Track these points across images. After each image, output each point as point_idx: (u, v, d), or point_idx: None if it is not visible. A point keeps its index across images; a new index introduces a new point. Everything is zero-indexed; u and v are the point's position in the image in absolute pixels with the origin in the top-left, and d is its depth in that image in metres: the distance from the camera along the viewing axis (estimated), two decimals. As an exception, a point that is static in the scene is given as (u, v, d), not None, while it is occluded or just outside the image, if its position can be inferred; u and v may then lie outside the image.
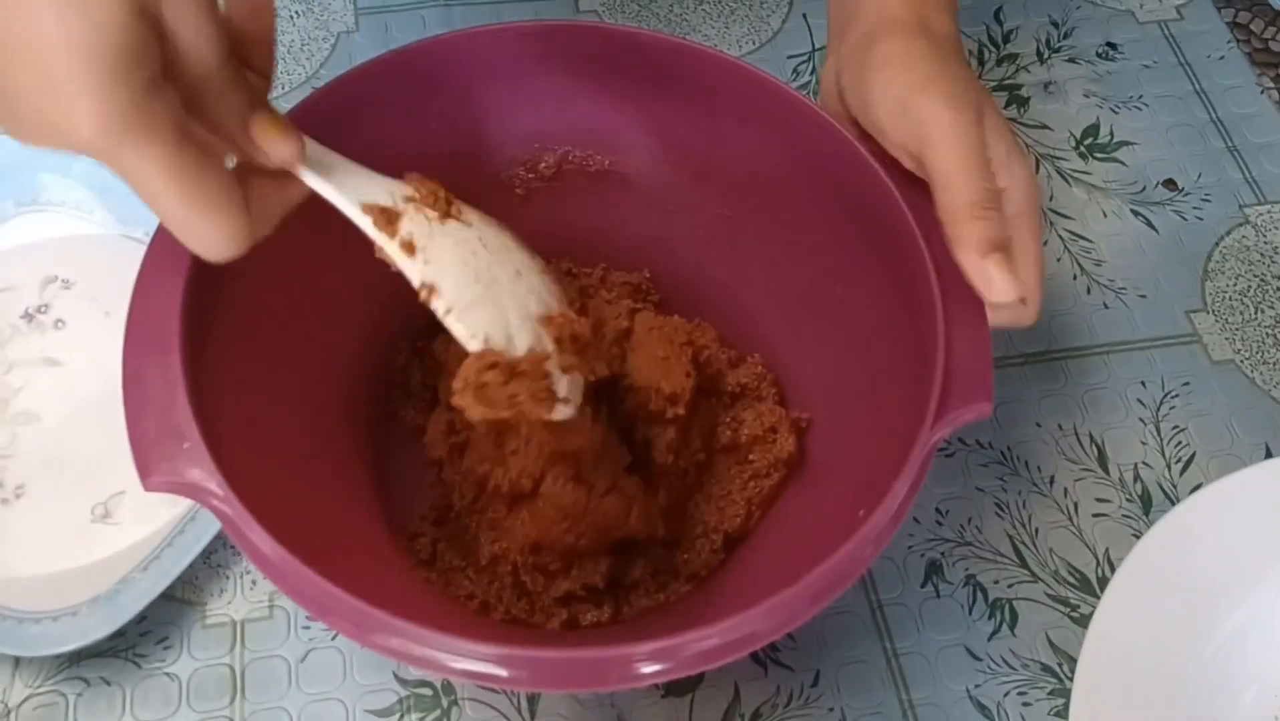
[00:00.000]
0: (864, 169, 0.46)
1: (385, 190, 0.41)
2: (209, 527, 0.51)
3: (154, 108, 0.32)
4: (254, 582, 0.52)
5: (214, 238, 0.35)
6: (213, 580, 0.52)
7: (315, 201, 0.39)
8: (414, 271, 0.40)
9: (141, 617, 0.50)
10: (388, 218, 0.40)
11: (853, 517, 0.40)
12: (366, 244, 0.40)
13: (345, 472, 0.49)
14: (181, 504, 0.53)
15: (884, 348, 0.47)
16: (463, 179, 0.53)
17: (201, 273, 0.42)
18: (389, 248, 0.40)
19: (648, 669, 0.37)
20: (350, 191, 0.39)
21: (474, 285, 0.41)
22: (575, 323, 0.43)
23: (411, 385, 0.54)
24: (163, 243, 0.43)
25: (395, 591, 0.46)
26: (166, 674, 0.50)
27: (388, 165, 0.42)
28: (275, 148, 0.37)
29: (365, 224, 0.39)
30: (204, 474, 0.39)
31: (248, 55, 0.37)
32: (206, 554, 0.52)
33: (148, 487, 0.39)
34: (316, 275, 0.48)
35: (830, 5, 0.53)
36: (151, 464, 0.39)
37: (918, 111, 0.44)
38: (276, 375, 0.47)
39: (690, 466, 0.50)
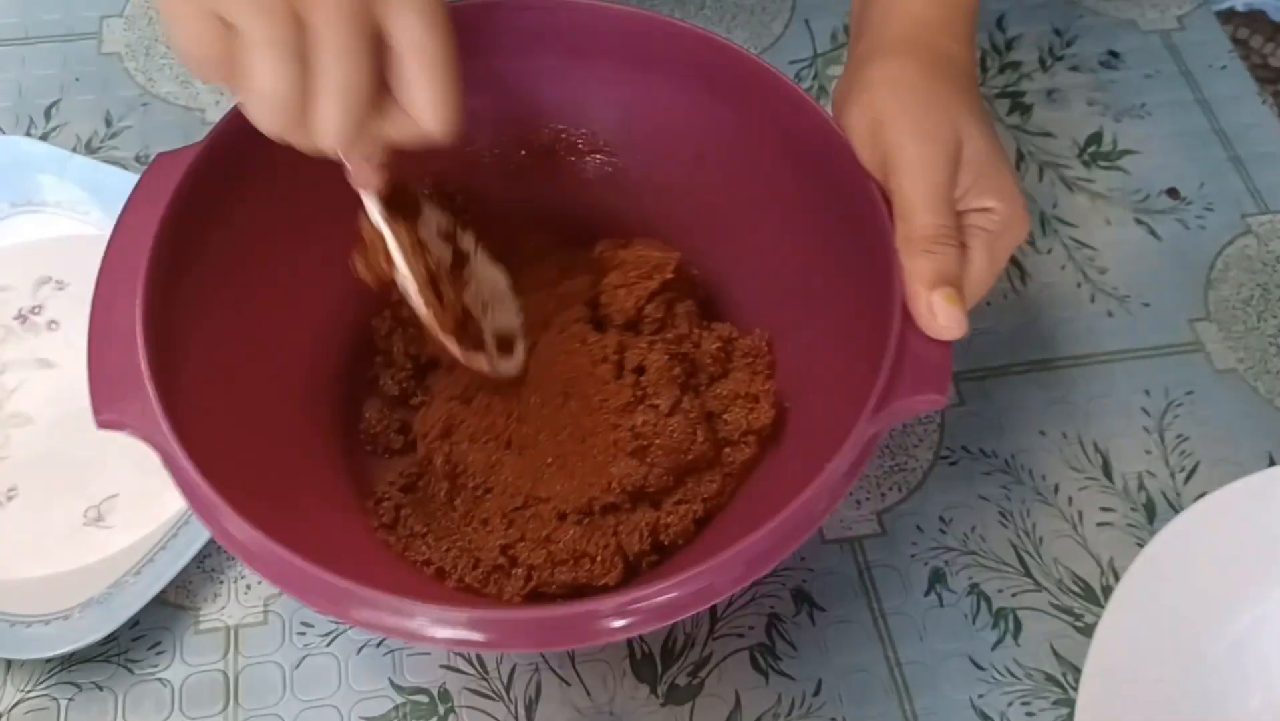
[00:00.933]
0: (850, 166, 0.46)
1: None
2: (202, 531, 0.50)
3: None
4: (248, 587, 0.52)
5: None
6: (206, 585, 0.51)
7: (313, 163, 0.39)
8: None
9: (134, 622, 0.49)
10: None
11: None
12: (355, 212, 0.42)
13: (313, 434, 0.49)
14: (174, 507, 0.52)
15: (856, 338, 0.46)
16: (452, 153, 0.53)
17: (180, 221, 0.43)
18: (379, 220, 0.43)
19: (615, 623, 0.38)
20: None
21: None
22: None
23: (393, 354, 0.53)
24: (145, 193, 0.43)
25: (356, 556, 0.46)
26: (159, 679, 0.49)
27: None
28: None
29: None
30: (153, 418, 0.39)
31: None
32: (200, 558, 0.51)
33: (98, 424, 0.40)
34: (302, 235, 0.48)
35: (852, 21, 0.53)
36: (106, 402, 0.40)
37: (885, 141, 0.45)
38: (249, 330, 0.47)
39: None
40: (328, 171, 0.40)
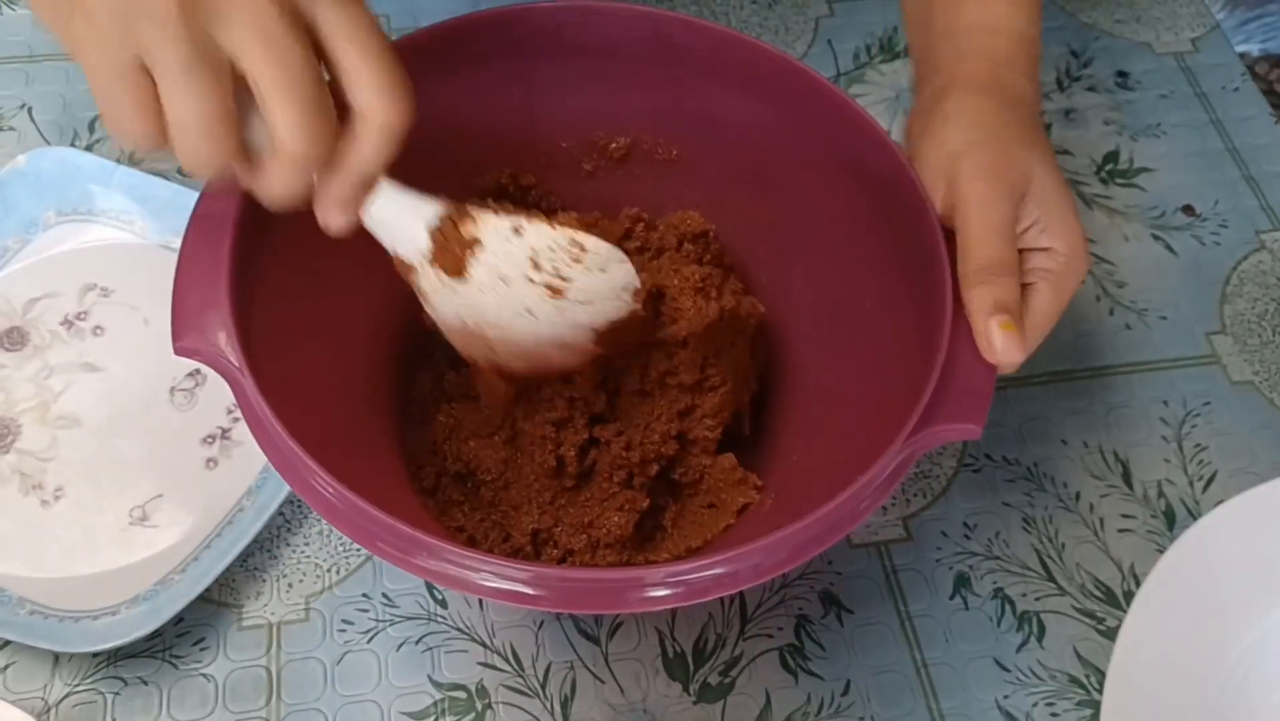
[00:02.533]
0: (911, 192, 0.47)
1: (413, 243, 0.43)
2: (246, 531, 0.52)
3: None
4: (290, 586, 0.53)
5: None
6: (249, 583, 0.53)
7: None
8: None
9: (179, 619, 0.51)
10: (407, 270, 0.44)
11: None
12: (414, 183, 0.43)
13: (372, 396, 0.51)
14: (218, 507, 0.53)
15: (899, 363, 0.48)
16: (531, 147, 0.55)
17: (255, 209, 0.43)
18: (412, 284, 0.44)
19: (659, 592, 0.39)
20: (388, 239, 0.43)
21: (468, 335, 0.46)
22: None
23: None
24: None
25: (401, 511, 0.47)
26: (203, 675, 0.50)
27: (459, 124, 0.46)
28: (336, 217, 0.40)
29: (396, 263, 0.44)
30: (230, 349, 0.42)
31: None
32: (243, 557, 0.53)
33: (177, 351, 0.42)
34: None
35: (913, 52, 0.55)
36: (185, 330, 0.42)
37: (954, 176, 0.46)
38: (318, 296, 0.49)
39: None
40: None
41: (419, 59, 0.47)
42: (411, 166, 0.42)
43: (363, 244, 0.45)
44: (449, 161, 0.51)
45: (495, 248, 0.43)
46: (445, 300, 0.44)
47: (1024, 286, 0.46)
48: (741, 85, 0.52)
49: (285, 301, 0.46)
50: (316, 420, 0.44)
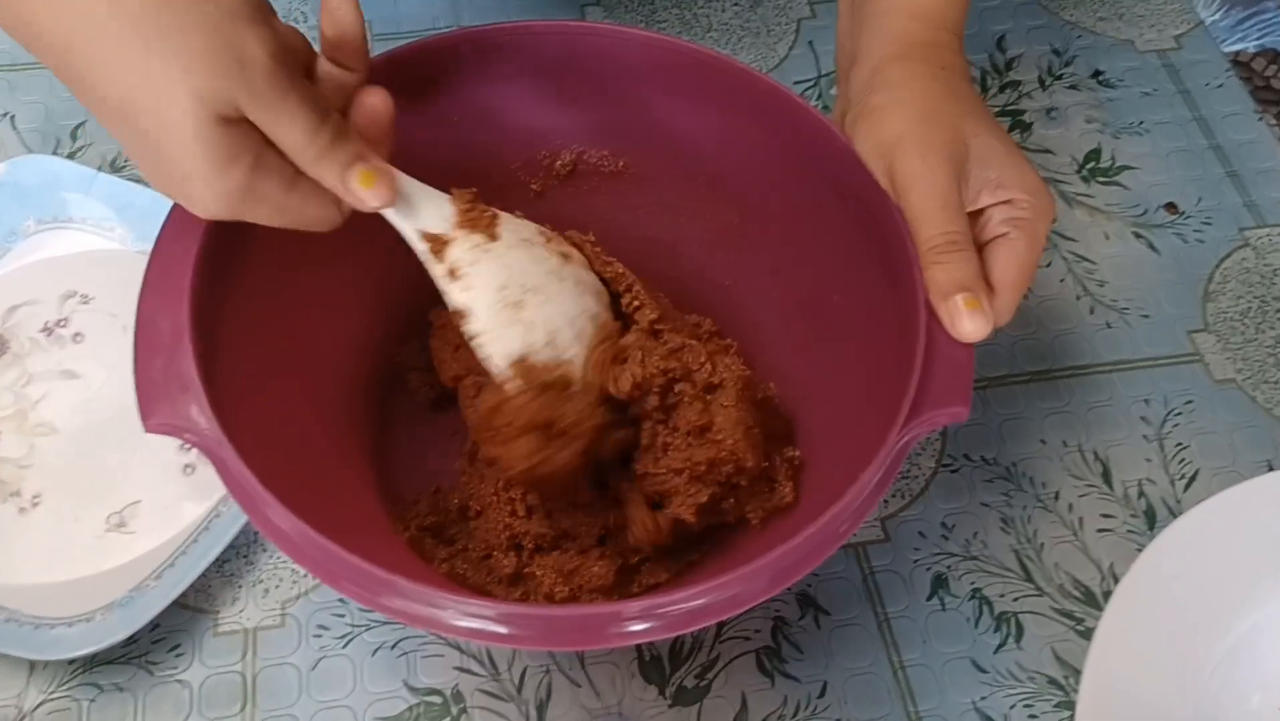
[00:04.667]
0: (865, 180, 0.48)
1: (439, 214, 0.45)
2: (222, 536, 0.52)
3: (257, 184, 0.40)
4: (266, 591, 0.53)
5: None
6: (225, 588, 0.53)
7: None
8: (453, 298, 0.45)
9: (154, 625, 0.51)
10: (439, 244, 0.44)
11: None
12: (365, 225, 0.44)
13: (344, 435, 0.51)
14: (194, 513, 0.53)
15: (875, 353, 0.48)
16: (477, 173, 0.55)
17: (219, 235, 0.44)
18: (436, 274, 0.45)
19: (637, 626, 0.39)
20: (413, 219, 0.44)
21: (506, 310, 0.45)
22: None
23: (414, 383, 0.55)
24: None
25: (384, 554, 0.47)
26: (178, 680, 0.50)
27: (401, 158, 0.44)
28: (368, 199, 0.42)
29: (423, 252, 0.44)
30: (203, 419, 0.41)
31: (341, 60, 0.43)
32: (219, 562, 0.53)
33: (148, 428, 0.41)
34: (337, 249, 0.49)
35: (838, 43, 0.55)
36: (154, 405, 0.41)
37: (892, 163, 0.47)
38: (285, 337, 0.48)
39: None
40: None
41: None
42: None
43: (331, 274, 0.47)
44: None
45: (507, 219, 0.47)
46: (482, 269, 0.45)
47: (997, 239, 0.46)
48: (682, 91, 0.52)
49: (253, 345, 0.46)
50: (289, 461, 0.44)
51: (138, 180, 0.62)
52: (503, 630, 0.38)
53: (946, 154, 0.46)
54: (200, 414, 0.41)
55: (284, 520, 0.40)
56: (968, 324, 0.44)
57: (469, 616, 0.38)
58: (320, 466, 0.48)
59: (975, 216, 0.47)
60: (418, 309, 0.53)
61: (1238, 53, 0.86)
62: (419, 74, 0.51)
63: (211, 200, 0.39)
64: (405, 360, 0.55)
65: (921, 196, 0.45)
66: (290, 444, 0.46)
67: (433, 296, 0.46)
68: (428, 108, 0.52)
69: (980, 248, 0.46)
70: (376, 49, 0.72)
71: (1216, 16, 0.82)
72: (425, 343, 0.53)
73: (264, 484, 0.40)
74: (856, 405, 0.48)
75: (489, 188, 0.55)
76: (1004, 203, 0.47)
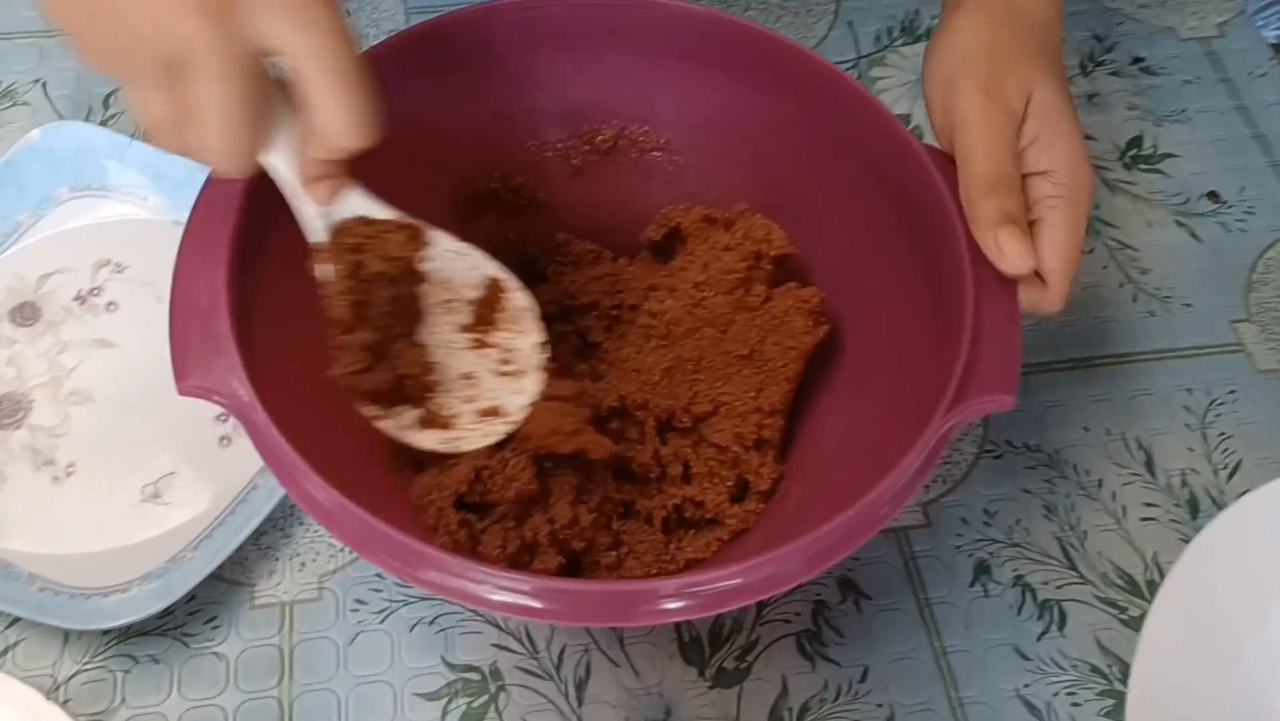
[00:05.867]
0: (911, 157, 0.47)
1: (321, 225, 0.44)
2: (259, 509, 0.51)
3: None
4: (303, 565, 0.52)
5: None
6: (262, 561, 0.52)
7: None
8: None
9: (190, 597, 0.50)
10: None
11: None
12: (408, 194, 0.44)
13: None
14: (231, 485, 0.53)
15: (915, 338, 0.47)
16: (514, 146, 0.54)
17: (258, 201, 0.43)
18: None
19: (672, 605, 0.38)
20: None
21: None
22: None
23: None
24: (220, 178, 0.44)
25: (416, 524, 0.46)
26: (214, 653, 0.50)
27: (441, 129, 0.45)
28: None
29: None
30: (238, 384, 0.40)
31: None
32: (256, 535, 0.52)
33: (182, 391, 0.41)
34: None
35: None
36: (189, 368, 0.41)
37: (953, 93, 0.46)
38: (319, 304, 0.46)
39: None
40: (389, 156, 0.41)
41: (396, 65, 0.47)
42: (394, 176, 0.43)
43: None
44: (434, 166, 0.51)
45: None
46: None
47: (1035, 221, 0.45)
48: (726, 66, 0.51)
49: (288, 312, 0.45)
50: (321, 429, 0.43)
51: (172, 149, 0.62)
52: (536, 604, 0.38)
53: (1005, 97, 0.46)
54: (235, 379, 0.40)
55: (319, 490, 0.39)
56: (1015, 252, 0.43)
57: (503, 590, 0.38)
58: (352, 436, 0.47)
59: None
60: None
61: (1280, 41, 0.85)
62: (458, 44, 0.50)
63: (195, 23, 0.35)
64: None
65: (976, 134, 0.45)
66: (323, 412, 0.45)
67: None
68: (466, 79, 0.52)
69: None
70: (414, 20, 0.72)
71: (1243, 2, 0.81)
72: None
73: (299, 451, 0.39)
74: (896, 390, 0.47)
75: (527, 160, 0.55)
76: (1041, 174, 0.46)
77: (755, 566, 0.38)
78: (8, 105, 0.66)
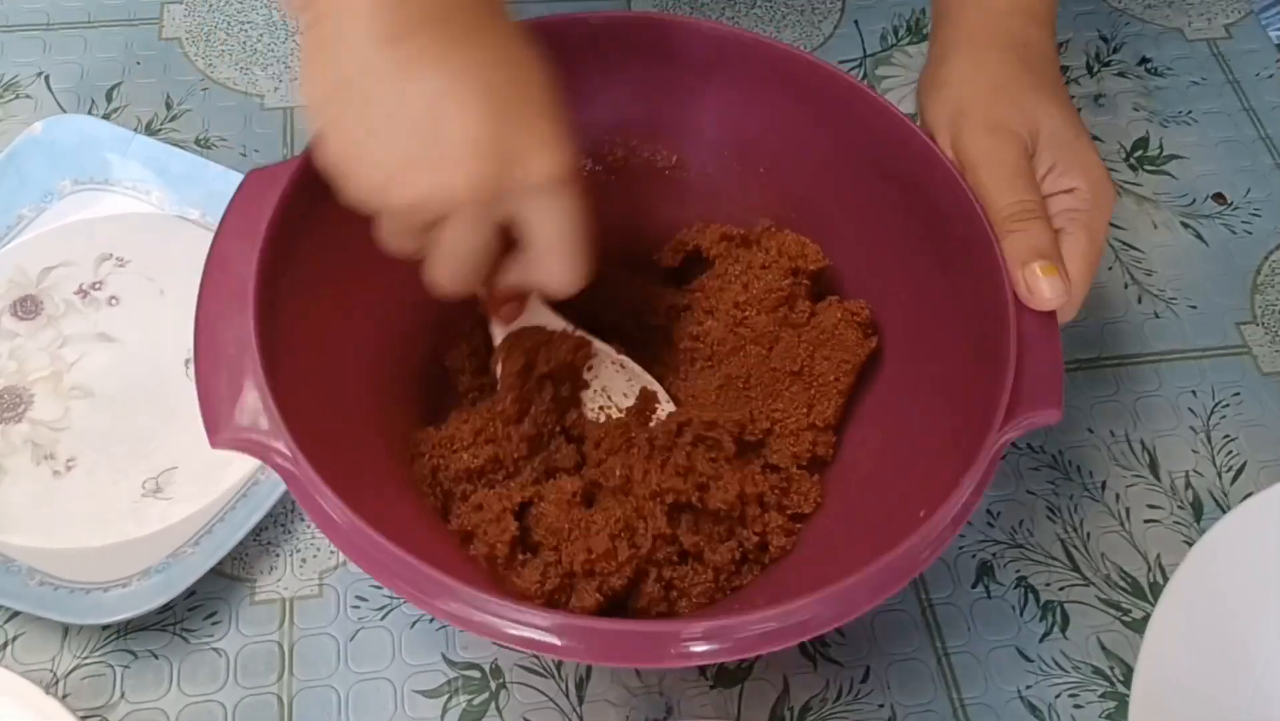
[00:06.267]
0: (940, 172, 0.46)
1: None
2: (260, 505, 0.51)
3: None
4: (304, 561, 0.52)
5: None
6: (263, 557, 0.52)
7: None
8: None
9: (190, 592, 0.50)
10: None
11: (912, 518, 0.40)
12: None
13: (398, 434, 0.49)
14: (232, 480, 0.53)
15: (949, 353, 0.47)
16: None
17: (278, 237, 0.43)
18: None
19: (700, 647, 0.37)
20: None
21: None
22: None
23: (469, 350, 0.53)
24: (240, 209, 0.43)
25: (439, 557, 0.45)
26: (214, 649, 0.50)
27: None
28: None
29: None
30: (274, 434, 0.39)
31: None
32: (257, 531, 0.52)
33: (215, 444, 0.40)
34: (384, 255, 0.48)
35: (932, 7, 0.54)
36: (220, 421, 0.40)
37: (960, 138, 0.46)
38: (339, 342, 0.47)
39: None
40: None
41: None
42: None
43: (381, 279, 0.46)
44: None
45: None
46: None
47: (1057, 231, 0.45)
48: (738, 82, 0.51)
49: (311, 351, 0.45)
50: (347, 466, 0.42)
51: (174, 144, 0.62)
52: (557, 641, 0.37)
53: (1013, 131, 0.46)
54: (271, 428, 0.39)
55: (347, 523, 0.38)
56: (1046, 289, 0.43)
57: (526, 626, 0.37)
58: (374, 470, 0.47)
59: None
60: (465, 311, 0.50)
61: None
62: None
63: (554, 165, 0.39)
64: (453, 363, 0.52)
65: (990, 172, 0.45)
66: (346, 448, 0.44)
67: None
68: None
69: None
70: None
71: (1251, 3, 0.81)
72: (473, 345, 0.52)
73: (333, 490, 0.38)
74: (931, 405, 0.47)
75: None
76: (1064, 191, 0.46)
77: (790, 611, 0.37)
78: (11, 98, 0.66)
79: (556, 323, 0.49)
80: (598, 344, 0.50)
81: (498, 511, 0.45)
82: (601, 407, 0.50)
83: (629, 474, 0.46)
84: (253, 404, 0.40)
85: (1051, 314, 0.44)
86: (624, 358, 0.50)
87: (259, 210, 0.43)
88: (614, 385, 0.51)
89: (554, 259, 0.41)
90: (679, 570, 0.46)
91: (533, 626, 0.37)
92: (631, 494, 0.46)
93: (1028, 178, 0.45)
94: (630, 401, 0.50)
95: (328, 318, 0.46)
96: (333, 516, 0.39)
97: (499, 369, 0.48)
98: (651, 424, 0.50)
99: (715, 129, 0.53)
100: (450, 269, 0.41)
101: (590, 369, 0.50)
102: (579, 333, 0.49)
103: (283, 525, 0.53)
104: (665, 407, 0.50)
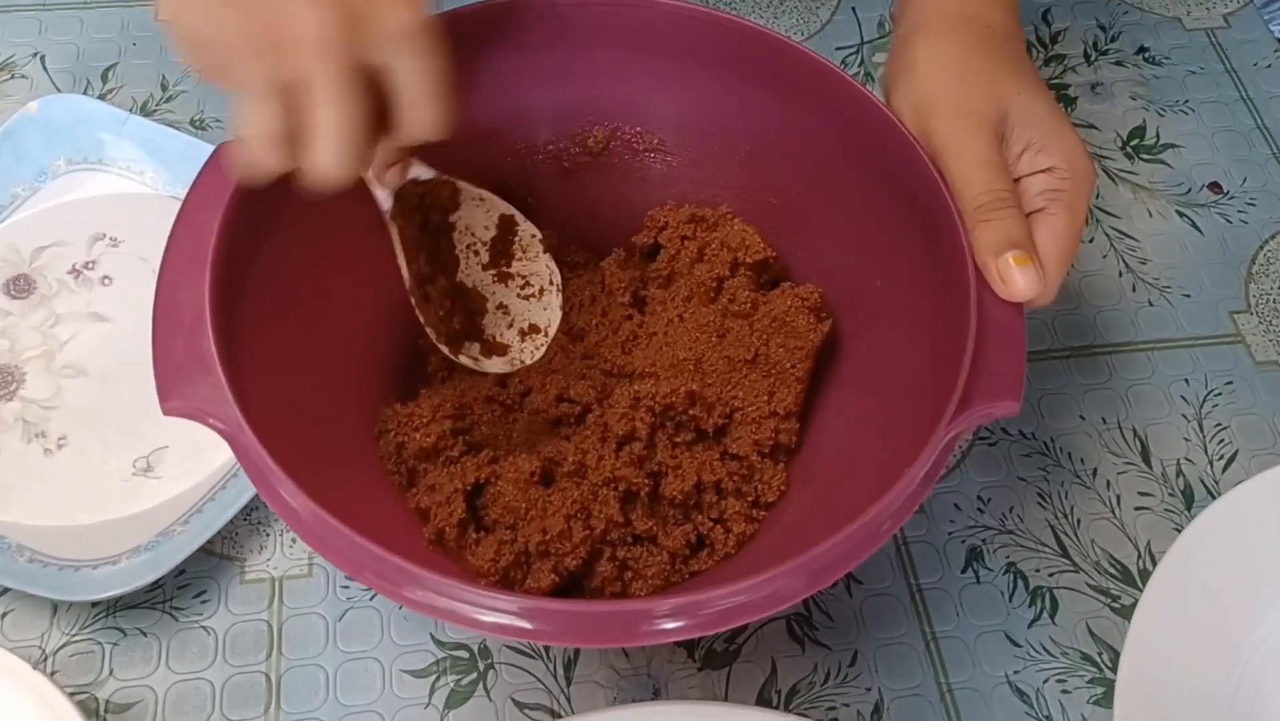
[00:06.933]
0: (912, 159, 0.46)
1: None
2: (249, 485, 0.51)
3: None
4: (293, 540, 0.52)
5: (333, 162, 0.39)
6: (252, 536, 0.52)
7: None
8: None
9: (180, 571, 0.50)
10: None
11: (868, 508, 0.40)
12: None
13: (363, 418, 0.49)
14: (222, 460, 0.53)
15: (917, 341, 0.46)
16: (506, 149, 0.53)
17: (242, 210, 0.43)
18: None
19: (670, 625, 0.37)
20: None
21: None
22: None
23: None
24: (209, 179, 0.43)
25: (401, 538, 0.46)
26: (203, 627, 0.50)
27: None
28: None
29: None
30: (223, 405, 0.39)
31: None
32: (247, 510, 0.52)
33: (166, 412, 0.40)
34: (355, 230, 0.48)
35: (895, 1, 0.54)
36: (173, 389, 0.40)
37: (926, 125, 0.46)
38: (306, 318, 0.47)
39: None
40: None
41: None
42: None
43: (353, 256, 0.45)
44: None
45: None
46: None
47: (1036, 214, 0.45)
48: (720, 66, 0.51)
49: (274, 325, 0.44)
50: (309, 446, 0.42)
51: (169, 124, 0.62)
52: (527, 625, 0.37)
53: (981, 116, 0.45)
54: (220, 400, 0.39)
55: (304, 508, 0.38)
56: (1020, 280, 0.42)
57: (493, 611, 0.37)
58: (340, 449, 0.47)
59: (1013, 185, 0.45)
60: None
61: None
62: (445, 46, 0.49)
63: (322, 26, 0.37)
64: (427, 343, 0.51)
65: (959, 160, 0.44)
66: (309, 427, 0.45)
67: None
68: (453, 81, 0.50)
69: None
70: None
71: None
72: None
73: (286, 471, 0.38)
74: (899, 394, 0.47)
75: (517, 162, 0.54)
76: (1042, 171, 0.45)
77: (757, 585, 0.37)
78: (6, 78, 0.66)
79: (427, 172, 0.47)
80: (460, 182, 0.49)
81: (448, 493, 0.46)
82: (468, 245, 0.50)
83: (582, 458, 0.47)
84: (206, 374, 0.39)
85: (1019, 309, 0.43)
86: (483, 190, 0.49)
87: (227, 181, 0.43)
88: (475, 220, 0.50)
89: (421, 104, 0.40)
90: (633, 551, 0.46)
91: (501, 611, 0.37)
92: (586, 478, 0.46)
93: (997, 166, 0.44)
94: (493, 233, 0.50)
95: (298, 293, 0.46)
96: (280, 493, 0.38)
97: (396, 237, 0.46)
98: (513, 242, 0.50)
99: (696, 112, 0.53)
100: (329, 149, 0.38)
101: (456, 210, 0.50)
102: (446, 176, 0.48)
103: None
104: (524, 228, 0.50)
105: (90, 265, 0.59)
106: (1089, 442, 0.57)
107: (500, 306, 0.51)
